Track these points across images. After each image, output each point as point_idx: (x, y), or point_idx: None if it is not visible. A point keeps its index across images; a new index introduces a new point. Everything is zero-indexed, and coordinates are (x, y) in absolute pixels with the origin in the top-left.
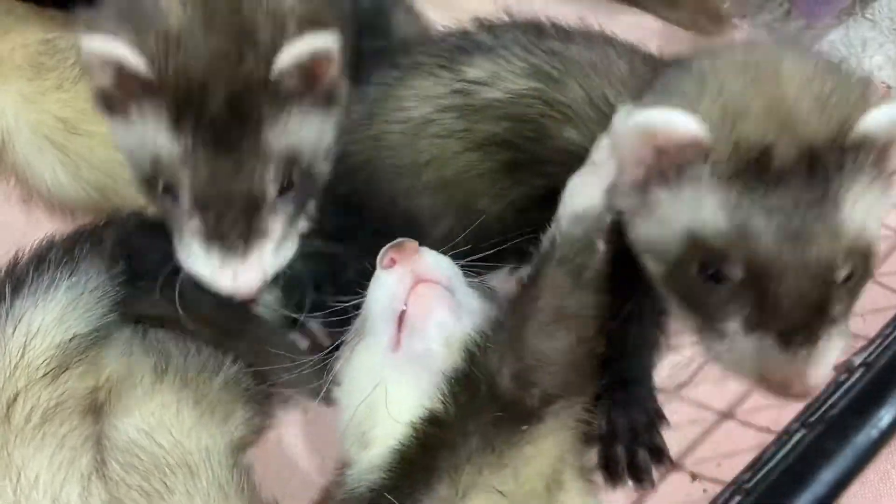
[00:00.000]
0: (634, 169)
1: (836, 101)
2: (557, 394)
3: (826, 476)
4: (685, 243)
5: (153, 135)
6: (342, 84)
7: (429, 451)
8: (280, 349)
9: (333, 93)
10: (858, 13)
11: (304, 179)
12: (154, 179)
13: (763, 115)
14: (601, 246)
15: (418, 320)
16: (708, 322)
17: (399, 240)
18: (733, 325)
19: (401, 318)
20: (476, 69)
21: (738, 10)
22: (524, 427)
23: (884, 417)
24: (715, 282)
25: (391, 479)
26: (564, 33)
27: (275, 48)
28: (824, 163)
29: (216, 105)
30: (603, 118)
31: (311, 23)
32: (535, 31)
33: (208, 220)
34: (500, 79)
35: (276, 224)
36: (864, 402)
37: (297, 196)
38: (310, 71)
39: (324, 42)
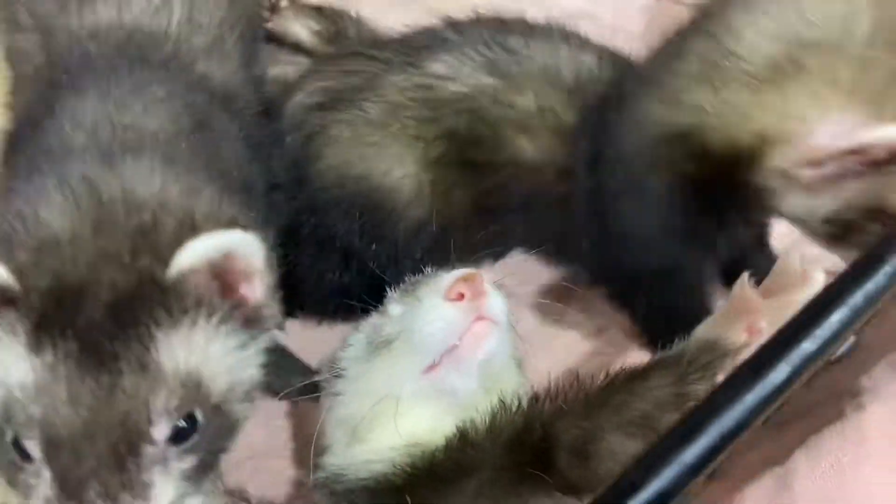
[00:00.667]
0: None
1: None
2: (597, 484)
3: (714, 430)
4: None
5: (4, 362)
6: (270, 306)
7: (458, 467)
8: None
9: (257, 314)
10: None
11: (214, 422)
12: (1, 432)
13: None
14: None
15: (466, 359)
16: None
17: (467, 272)
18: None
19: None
20: (439, 64)
21: None
22: (557, 493)
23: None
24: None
25: (403, 478)
26: (527, 30)
27: (177, 245)
28: None
29: (92, 311)
30: (554, 132)
31: (226, 223)
32: (498, 26)
33: (62, 472)
34: (461, 74)
35: (164, 483)
36: (758, 360)
37: (201, 445)
38: (222, 276)
39: (240, 240)
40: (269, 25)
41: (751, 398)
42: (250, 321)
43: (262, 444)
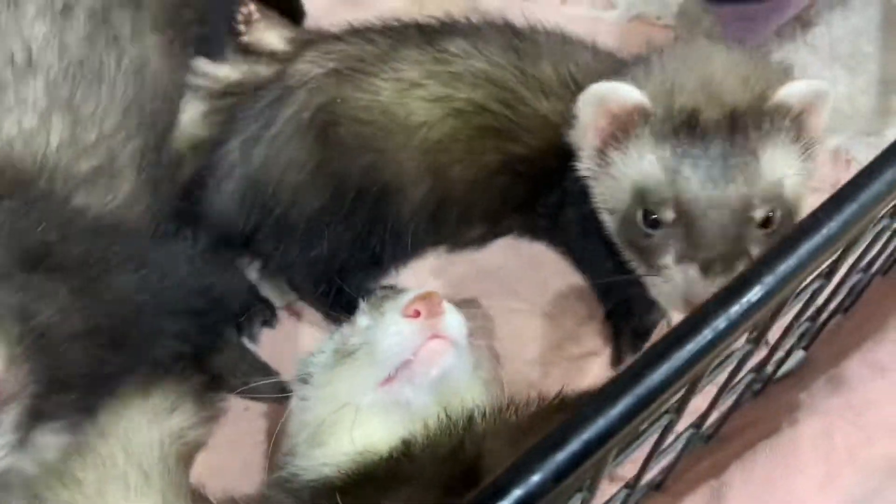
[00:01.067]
0: (593, 134)
1: (758, 78)
2: None
3: (576, 442)
4: (632, 194)
5: None
6: (9, 381)
7: (395, 475)
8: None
9: None
10: (798, 38)
11: None
12: None
13: (694, 88)
14: None
15: (419, 374)
16: (649, 261)
17: (426, 291)
18: (667, 259)
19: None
20: (455, 46)
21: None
22: None
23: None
24: (654, 227)
25: (343, 481)
26: (533, 27)
27: None
28: (744, 123)
29: None
30: (572, 94)
31: None
32: (506, 22)
33: None
34: (478, 52)
35: None
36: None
37: None
38: None
39: None
40: (244, 38)
41: (614, 412)
42: None
43: (230, 442)
